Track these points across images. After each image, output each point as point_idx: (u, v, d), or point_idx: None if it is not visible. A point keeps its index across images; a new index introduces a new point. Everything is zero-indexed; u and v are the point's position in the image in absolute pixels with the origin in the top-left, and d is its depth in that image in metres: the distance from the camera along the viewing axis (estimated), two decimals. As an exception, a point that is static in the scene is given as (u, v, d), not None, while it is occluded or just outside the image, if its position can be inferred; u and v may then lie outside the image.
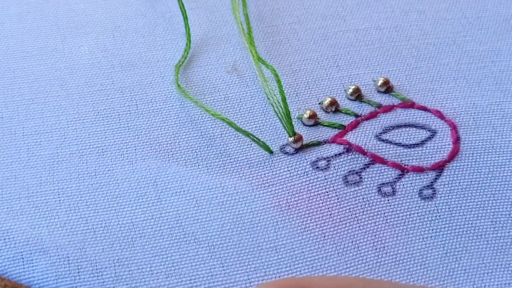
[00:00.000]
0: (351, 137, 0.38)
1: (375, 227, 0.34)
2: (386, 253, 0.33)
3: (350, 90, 0.39)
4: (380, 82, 0.40)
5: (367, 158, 0.37)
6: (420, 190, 0.35)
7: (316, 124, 0.38)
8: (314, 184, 0.36)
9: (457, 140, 0.37)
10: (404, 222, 0.34)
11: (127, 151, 0.37)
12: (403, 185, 0.36)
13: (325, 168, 0.36)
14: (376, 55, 0.42)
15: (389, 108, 0.39)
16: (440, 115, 0.39)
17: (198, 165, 0.36)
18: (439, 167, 0.36)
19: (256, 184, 0.36)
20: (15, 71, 0.40)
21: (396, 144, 0.37)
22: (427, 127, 0.38)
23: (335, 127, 0.38)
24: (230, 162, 0.37)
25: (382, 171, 0.36)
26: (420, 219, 0.34)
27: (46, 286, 0.32)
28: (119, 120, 0.38)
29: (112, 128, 0.38)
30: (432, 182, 0.36)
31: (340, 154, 0.37)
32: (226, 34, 0.43)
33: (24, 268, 0.32)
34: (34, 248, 0.33)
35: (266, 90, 0.38)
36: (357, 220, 0.34)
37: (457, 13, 0.44)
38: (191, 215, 0.34)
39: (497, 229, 0.34)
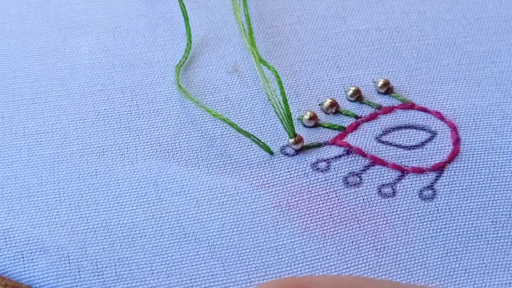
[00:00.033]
0: (351, 138, 0.38)
1: (376, 227, 0.34)
2: (386, 253, 0.33)
3: (350, 91, 0.39)
4: (380, 83, 0.40)
5: (367, 160, 0.37)
6: (420, 191, 0.35)
7: (317, 125, 0.38)
8: (314, 185, 0.36)
9: (457, 141, 0.37)
10: (405, 223, 0.34)
11: (127, 151, 0.37)
12: (403, 186, 0.36)
13: (325, 170, 0.36)
14: (376, 56, 0.42)
15: (389, 109, 0.39)
16: (440, 116, 0.39)
17: (199, 165, 0.36)
18: (439, 168, 0.36)
19: (256, 184, 0.36)
20: (16, 71, 0.40)
21: (396, 145, 0.37)
22: (427, 128, 0.38)
23: (335, 129, 0.38)
24: (231, 162, 0.37)
25: (382, 172, 0.36)
26: (420, 220, 0.34)
27: (47, 286, 0.32)
28: (120, 120, 0.38)
29: (112, 128, 0.38)
30: (432, 183, 0.36)
31: (340, 156, 0.37)
32: (226, 35, 0.43)
33: (24, 268, 0.32)
34: (35, 247, 0.33)
35: (267, 91, 0.38)
36: (358, 221, 0.34)
37: (457, 14, 0.44)
38: (191, 215, 0.34)
39: (497, 229, 0.34)
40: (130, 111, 0.38)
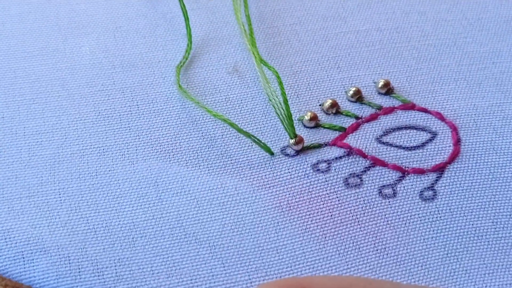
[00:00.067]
0: (351, 139, 0.38)
1: (376, 228, 0.34)
2: (387, 254, 0.33)
3: (351, 92, 0.39)
4: (381, 83, 0.40)
5: (368, 161, 0.37)
6: (421, 191, 0.35)
7: (317, 126, 0.38)
8: (315, 186, 0.36)
9: (457, 142, 0.37)
10: (405, 223, 0.34)
11: (128, 151, 0.37)
12: (404, 187, 0.36)
13: (325, 171, 0.36)
14: (377, 57, 0.42)
15: (390, 110, 0.39)
16: (440, 116, 0.39)
17: (199, 166, 0.36)
18: (440, 169, 0.36)
19: (257, 185, 0.36)
20: (16, 71, 0.40)
21: (396, 146, 0.37)
22: (428, 129, 0.38)
23: (335, 129, 0.38)
24: (231, 163, 0.37)
25: (383, 173, 0.36)
26: (421, 220, 0.34)
27: (47, 286, 0.32)
28: (120, 120, 0.38)
29: (113, 129, 0.38)
30: (432, 184, 0.36)
31: (340, 157, 0.37)
32: (227, 35, 0.43)
33: (25, 268, 0.32)
34: (35, 247, 0.33)
35: (268, 92, 0.38)
36: (358, 222, 0.34)
37: (457, 14, 0.44)
38: (192, 216, 0.34)
39: (498, 230, 0.34)
40: (131, 111, 0.38)
